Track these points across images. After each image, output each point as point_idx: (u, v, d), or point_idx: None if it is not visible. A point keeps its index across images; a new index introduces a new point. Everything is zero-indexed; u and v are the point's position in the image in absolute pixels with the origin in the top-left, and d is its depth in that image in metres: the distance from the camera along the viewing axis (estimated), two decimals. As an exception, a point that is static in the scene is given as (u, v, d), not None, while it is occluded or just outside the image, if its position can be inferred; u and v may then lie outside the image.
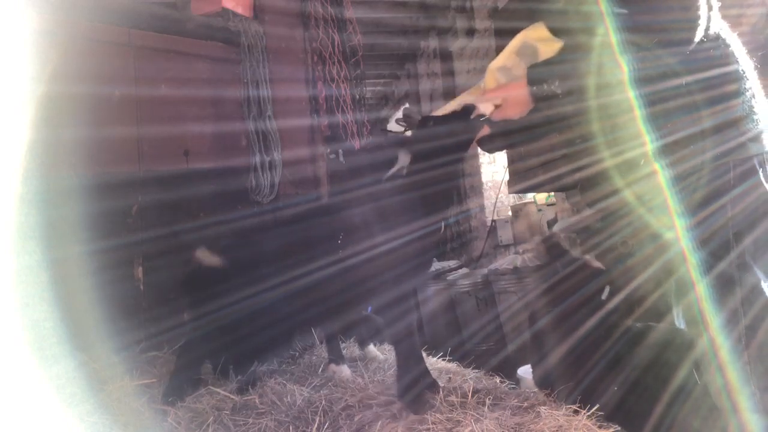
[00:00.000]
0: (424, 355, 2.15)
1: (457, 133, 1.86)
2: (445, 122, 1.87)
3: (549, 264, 2.09)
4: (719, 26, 1.55)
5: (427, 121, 1.93)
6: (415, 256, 1.93)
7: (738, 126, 1.51)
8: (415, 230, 1.89)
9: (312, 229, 2.18)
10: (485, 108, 1.74)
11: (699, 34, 1.45)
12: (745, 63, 1.58)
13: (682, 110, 1.54)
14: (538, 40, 1.67)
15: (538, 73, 1.61)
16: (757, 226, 1.49)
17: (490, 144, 2.02)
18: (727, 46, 1.57)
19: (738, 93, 1.53)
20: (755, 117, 1.53)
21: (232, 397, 2.06)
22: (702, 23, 1.43)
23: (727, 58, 1.56)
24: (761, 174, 1.50)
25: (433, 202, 1.96)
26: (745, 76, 1.55)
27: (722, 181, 1.50)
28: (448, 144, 1.89)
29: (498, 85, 1.76)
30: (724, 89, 1.53)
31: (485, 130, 1.92)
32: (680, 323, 1.84)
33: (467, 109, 1.78)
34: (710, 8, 1.45)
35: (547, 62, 1.62)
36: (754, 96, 1.56)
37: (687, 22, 1.44)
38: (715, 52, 1.54)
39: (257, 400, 2.02)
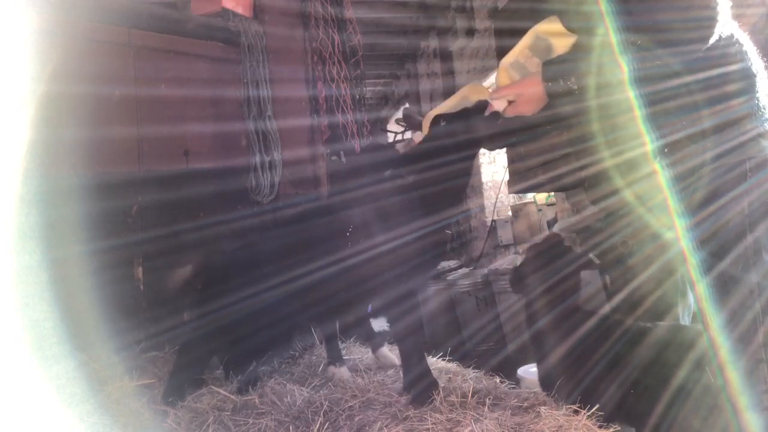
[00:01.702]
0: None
1: (465, 134, 1.86)
2: (456, 120, 1.87)
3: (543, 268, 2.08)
4: (731, 24, 1.55)
5: (438, 120, 1.92)
6: (418, 255, 1.94)
7: (741, 125, 1.51)
8: (418, 230, 1.90)
9: (311, 229, 2.19)
10: (499, 105, 1.73)
11: (717, 33, 1.45)
12: (756, 61, 1.58)
13: (683, 110, 1.55)
14: (551, 34, 1.65)
15: (553, 69, 1.60)
16: None
17: (492, 143, 2.02)
18: (741, 44, 1.57)
19: (744, 91, 1.53)
20: (766, 113, 1.53)
21: (232, 397, 2.06)
22: (720, 22, 1.43)
23: (738, 56, 1.56)
24: None
25: (440, 202, 1.96)
26: (756, 74, 1.56)
27: (730, 179, 1.50)
28: (458, 145, 1.88)
29: (512, 82, 1.75)
30: (729, 87, 1.53)
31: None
32: (685, 320, 1.84)
33: (480, 107, 1.78)
34: (726, 7, 1.45)
35: (563, 58, 1.60)
36: (766, 93, 1.56)
37: (705, 21, 1.44)
38: (728, 50, 1.54)
39: (257, 400, 2.02)
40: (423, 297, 4.70)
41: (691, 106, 1.54)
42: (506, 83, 1.76)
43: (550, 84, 1.59)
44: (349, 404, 1.90)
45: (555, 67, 1.60)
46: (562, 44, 1.63)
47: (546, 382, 1.95)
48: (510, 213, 5.89)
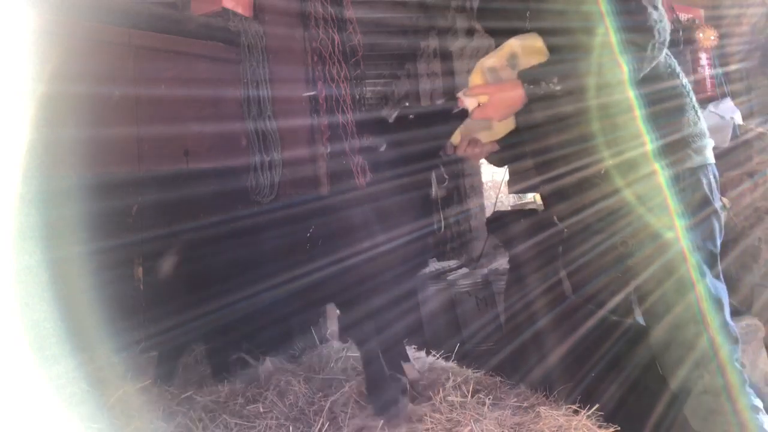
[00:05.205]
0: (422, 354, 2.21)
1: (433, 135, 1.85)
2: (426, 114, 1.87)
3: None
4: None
5: (406, 116, 1.93)
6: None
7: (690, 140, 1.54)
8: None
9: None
10: (469, 103, 1.74)
11: (654, 43, 1.46)
12: (684, 77, 1.61)
13: (681, 111, 1.55)
14: (524, 50, 1.67)
15: (533, 72, 1.60)
16: (704, 234, 1.53)
17: (499, 160, 2.05)
18: (669, 56, 1.59)
19: (683, 108, 1.56)
20: (698, 130, 1.57)
21: (232, 396, 2.07)
22: (654, 31, 1.44)
23: (673, 70, 1.58)
24: (704, 184, 1.55)
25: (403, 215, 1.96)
26: (687, 91, 1.59)
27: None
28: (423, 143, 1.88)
29: (484, 83, 1.76)
30: (671, 104, 1.56)
31: (493, 147, 1.95)
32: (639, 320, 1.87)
33: (449, 106, 1.78)
34: (659, 17, 1.46)
35: (543, 63, 1.61)
36: (695, 108, 1.59)
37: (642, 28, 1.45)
38: (668, 60, 1.56)
39: (258, 401, 2.02)
40: (423, 297, 4.71)
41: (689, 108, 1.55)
42: (479, 83, 1.77)
43: (531, 87, 1.59)
44: (350, 405, 1.90)
45: (534, 71, 1.60)
46: (530, 62, 1.65)
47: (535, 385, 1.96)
48: (510, 213, 5.88)
